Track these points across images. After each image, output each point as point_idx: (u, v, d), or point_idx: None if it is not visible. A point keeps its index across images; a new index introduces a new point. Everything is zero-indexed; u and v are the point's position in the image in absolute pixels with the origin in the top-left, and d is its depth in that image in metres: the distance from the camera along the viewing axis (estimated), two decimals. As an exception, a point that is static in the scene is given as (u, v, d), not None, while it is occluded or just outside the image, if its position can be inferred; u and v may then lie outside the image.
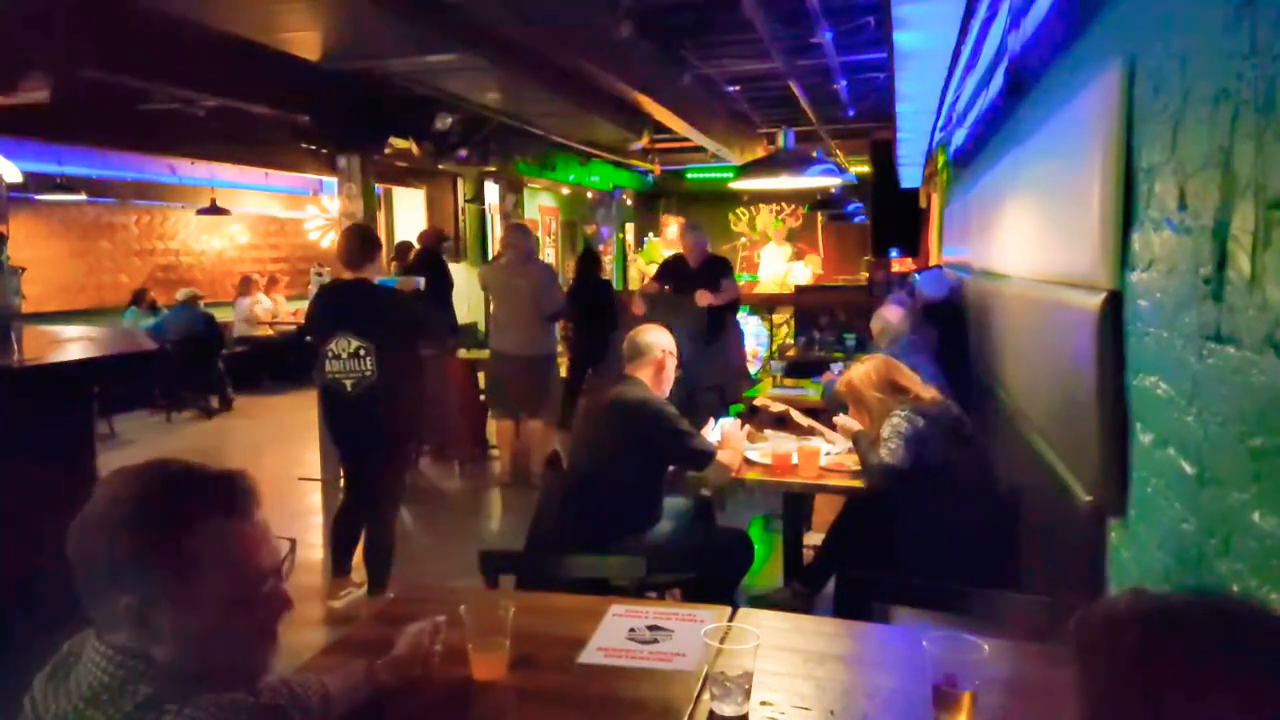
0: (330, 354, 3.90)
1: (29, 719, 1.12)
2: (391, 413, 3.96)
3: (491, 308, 6.16)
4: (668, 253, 10.55)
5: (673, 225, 11.10)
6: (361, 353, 3.86)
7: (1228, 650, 0.76)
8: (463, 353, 7.11)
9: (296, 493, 5.90)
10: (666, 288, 6.29)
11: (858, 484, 3.30)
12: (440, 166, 8.62)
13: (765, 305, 9.12)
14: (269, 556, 1.17)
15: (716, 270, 6.23)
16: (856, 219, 11.78)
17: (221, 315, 9.72)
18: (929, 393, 3.15)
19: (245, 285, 10.63)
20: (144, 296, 9.43)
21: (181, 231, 10.86)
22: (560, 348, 6.65)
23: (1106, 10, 1.88)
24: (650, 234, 15.03)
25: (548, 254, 13.14)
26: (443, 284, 7.10)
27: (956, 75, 4.04)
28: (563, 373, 7.39)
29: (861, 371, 3.24)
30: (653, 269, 10.37)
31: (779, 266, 11.46)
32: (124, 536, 1.08)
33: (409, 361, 4.10)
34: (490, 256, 11.97)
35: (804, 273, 11.22)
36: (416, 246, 7.76)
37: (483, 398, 6.95)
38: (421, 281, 5.41)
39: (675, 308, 5.89)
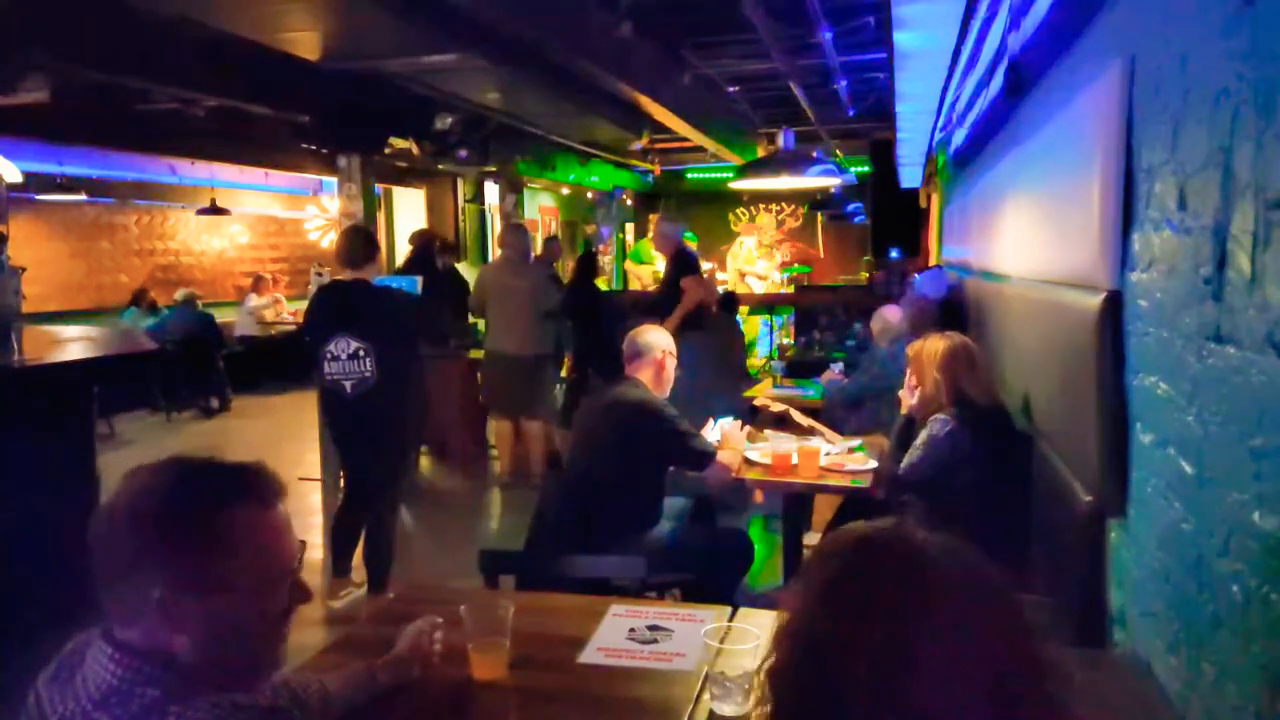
0: (329, 355, 3.89)
1: (32, 716, 1.12)
2: (391, 414, 3.96)
3: (488, 308, 6.11)
4: (657, 253, 10.53)
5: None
6: (361, 354, 3.86)
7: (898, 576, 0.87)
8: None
9: (296, 493, 5.90)
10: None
11: (857, 484, 3.31)
12: (440, 166, 8.62)
13: (765, 305, 9.13)
14: (293, 544, 1.20)
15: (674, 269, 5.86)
16: (856, 219, 11.79)
17: (221, 315, 9.72)
18: (988, 399, 2.96)
19: (258, 284, 10.61)
20: (144, 296, 9.43)
21: (181, 231, 10.86)
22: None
23: (1106, 10, 1.88)
24: (649, 234, 15.04)
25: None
26: (437, 284, 7.10)
27: (956, 75, 4.03)
28: (564, 373, 7.39)
29: (940, 349, 3.01)
30: (644, 270, 10.34)
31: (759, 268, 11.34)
32: (157, 524, 1.08)
33: (409, 362, 4.10)
34: (490, 257, 11.99)
35: (762, 264, 10.92)
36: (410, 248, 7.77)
37: (481, 397, 6.95)
38: (419, 282, 5.42)
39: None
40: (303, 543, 1.23)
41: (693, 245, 9.69)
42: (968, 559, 0.90)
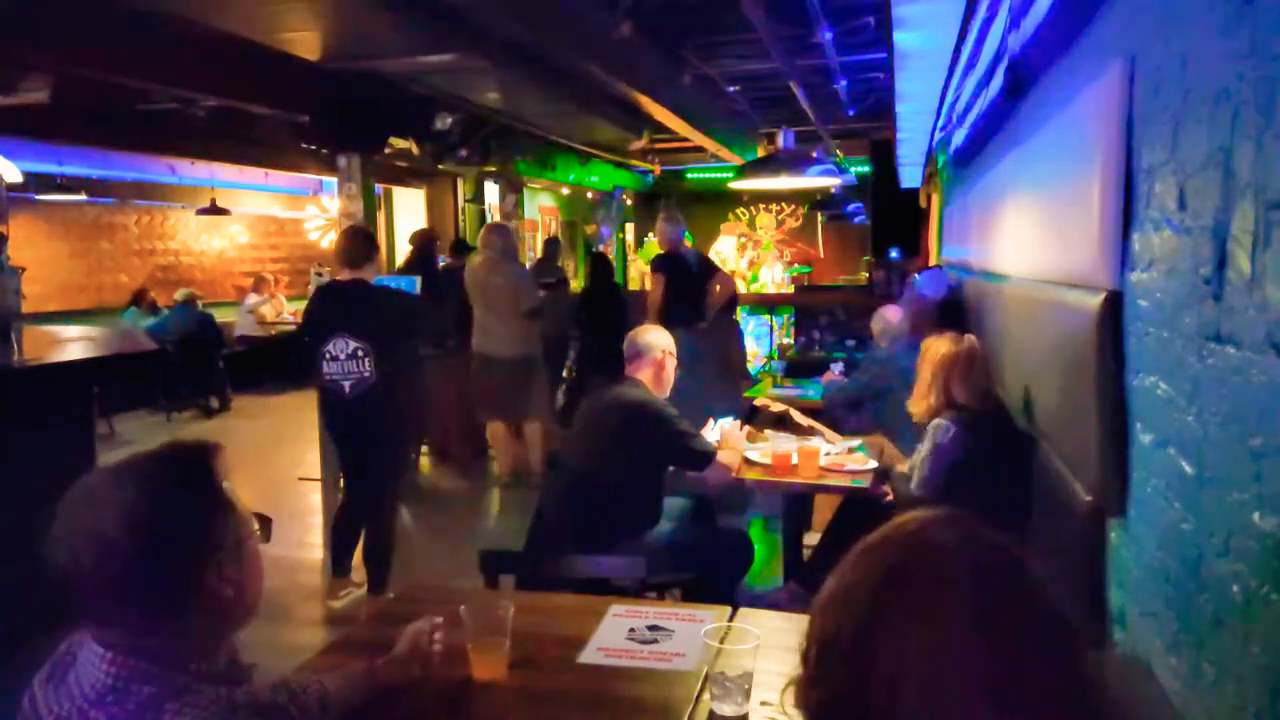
0: (328, 355, 3.89)
1: (28, 718, 1.12)
2: (390, 413, 3.96)
3: (474, 311, 6.12)
4: None
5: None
6: (360, 353, 3.86)
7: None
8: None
9: (296, 493, 5.90)
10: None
11: (857, 484, 3.31)
12: (440, 166, 8.61)
13: (766, 305, 9.13)
14: None
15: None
16: (856, 219, 11.79)
17: (221, 315, 9.72)
18: (980, 404, 2.97)
19: (259, 284, 10.61)
20: (144, 297, 9.43)
21: (181, 231, 10.86)
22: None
23: (1106, 10, 1.88)
24: (649, 234, 15.03)
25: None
26: (437, 284, 7.12)
27: (956, 75, 4.03)
28: (565, 373, 7.39)
29: (939, 351, 3.04)
30: None
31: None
32: (185, 512, 1.14)
33: (407, 362, 4.10)
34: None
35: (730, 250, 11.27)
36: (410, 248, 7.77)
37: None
38: (418, 282, 5.41)
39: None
40: (266, 519, 1.33)
41: (688, 244, 9.76)
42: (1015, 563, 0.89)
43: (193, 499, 1.16)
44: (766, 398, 4.82)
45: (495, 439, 6.36)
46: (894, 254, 8.67)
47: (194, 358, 8.66)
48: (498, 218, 11.05)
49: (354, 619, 3.82)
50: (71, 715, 1.06)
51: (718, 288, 6.35)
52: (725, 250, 11.20)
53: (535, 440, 6.06)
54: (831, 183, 7.44)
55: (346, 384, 3.88)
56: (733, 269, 11.08)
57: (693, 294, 6.09)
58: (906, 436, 3.60)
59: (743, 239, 14.76)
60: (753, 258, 13.70)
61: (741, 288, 11.87)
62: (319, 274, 8.43)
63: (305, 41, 4.97)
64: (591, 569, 2.50)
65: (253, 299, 10.44)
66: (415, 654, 1.64)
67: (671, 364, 3.34)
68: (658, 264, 6.19)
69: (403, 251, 8.88)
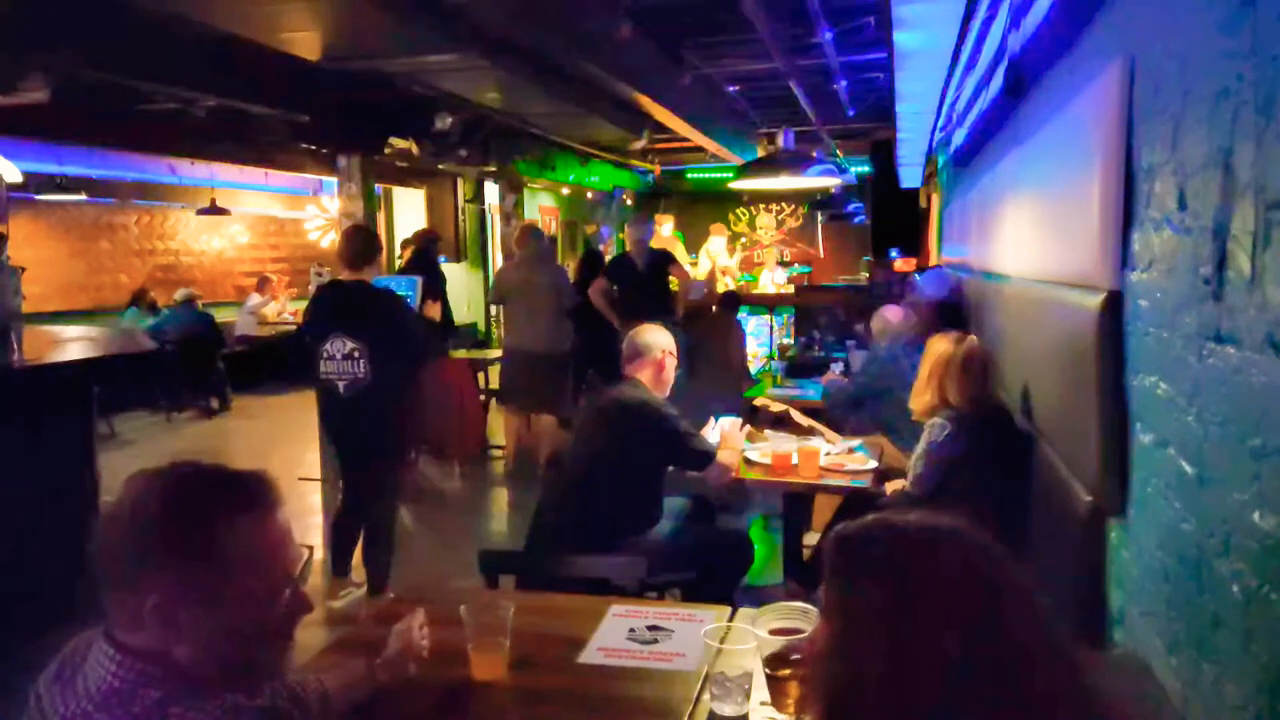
0: (326, 355, 3.89)
1: (34, 716, 1.12)
2: (385, 414, 3.96)
3: (507, 308, 6.31)
4: None
5: (666, 224, 11.07)
6: (355, 354, 3.85)
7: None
8: (462, 353, 7.11)
9: (296, 493, 5.90)
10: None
11: (857, 484, 3.31)
12: (440, 166, 8.61)
13: (766, 305, 9.13)
14: (292, 554, 1.19)
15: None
16: (856, 219, 11.79)
17: (221, 315, 9.72)
18: (972, 406, 2.96)
19: (262, 285, 10.61)
20: (144, 296, 9.42)
21: (181, 231, 10.85)
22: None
23: (1106, 10, 1.88)
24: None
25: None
26: (437, 284, 7.14)
27: (956, 75, 4.04)
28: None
29: (937, 351, 3.04)
30: None
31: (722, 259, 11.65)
32: (156, 532, 1.08)
33: (404, 364, 4.09)
34: (490, 257, 11.95)
35: (720, 247, 11.49)
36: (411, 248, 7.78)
37: (482, 397, 6.95)
38: (419, 282, 5.41)
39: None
40: (309, 548, 1.23)
41: (680, 244, 9.90)
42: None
43: (174, 529, 1.09)
44: (766, 398, 4.82)
45: (508, 430, 6.40)
46: (894, 254, 8.67)
47: (194, 358, 8.66)
48: (498, 218, 11.05)
49: (354, 619, 3.81)
50: (76, 716, 1.06)
51: (673, 281, 6.63)
52: (716, 249, 11.26)
53: (546, 435, 6.11)
54: (831, 183, 7.45)
55: (341, 384, 3.88)
56: (725, 266, 11.13)
57: (642, 292, 6.29)
58: (907, 436, 3.60)
59: (743, 240, 14.75)
60: (747, 256, 13.71)
61: (730, 285, 11.88)
62: (319, 274, 8.44)
63: (305, 41, 4.97)
64: (591, 569, 2.50)
65: (255, 299, 10.43)
66: (407, 651, 1.64)
67: (671, 364, 3.34)
68: (606, 270, 6.61)
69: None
